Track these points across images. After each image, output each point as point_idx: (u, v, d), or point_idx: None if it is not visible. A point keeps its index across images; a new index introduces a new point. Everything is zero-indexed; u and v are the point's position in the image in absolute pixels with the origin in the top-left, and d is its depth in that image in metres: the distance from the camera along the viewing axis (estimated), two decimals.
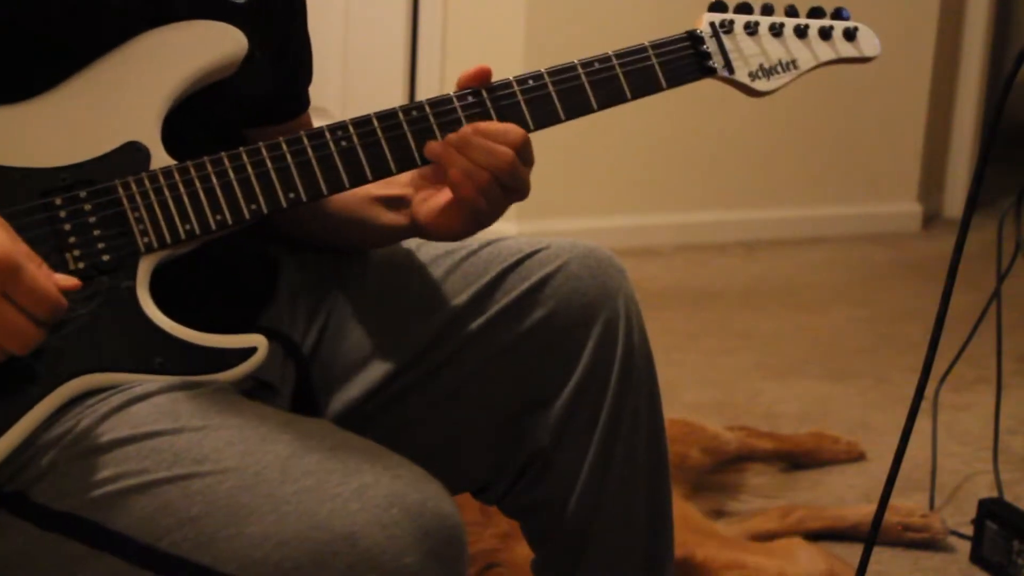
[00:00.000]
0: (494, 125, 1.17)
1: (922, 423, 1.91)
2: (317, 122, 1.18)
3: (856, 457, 2.40)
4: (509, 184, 1.17)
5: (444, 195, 1.20)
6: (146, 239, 1.11)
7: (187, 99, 1.15)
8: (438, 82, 3.81)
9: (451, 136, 1.16)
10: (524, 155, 1.18)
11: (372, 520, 1.00)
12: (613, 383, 1.27)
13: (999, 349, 2.17)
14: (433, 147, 1.16)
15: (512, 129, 1.17)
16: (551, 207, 3.75)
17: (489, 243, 1.31)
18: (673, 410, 2.57)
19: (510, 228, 3.60)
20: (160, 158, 1.12)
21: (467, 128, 1.16)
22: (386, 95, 3.78)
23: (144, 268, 1.11)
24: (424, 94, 3.81)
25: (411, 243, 1.34)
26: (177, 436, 1.05)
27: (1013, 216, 2.03)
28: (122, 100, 1.13)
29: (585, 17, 3.78)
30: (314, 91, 1.38)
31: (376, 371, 1.29)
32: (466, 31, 3.81)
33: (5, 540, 1.07)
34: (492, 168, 1.16)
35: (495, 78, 1.19)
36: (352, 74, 3.84)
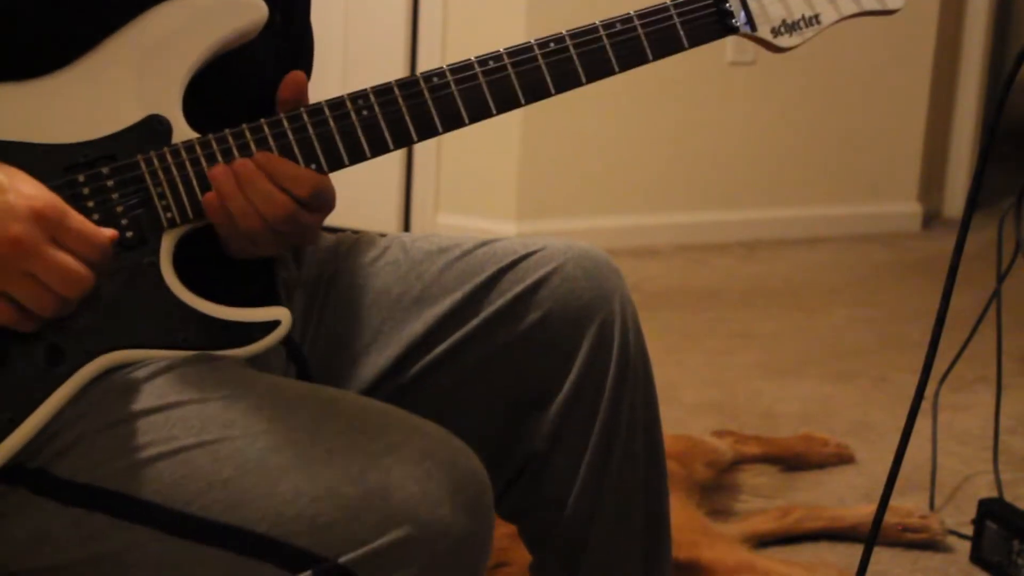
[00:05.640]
0: (286, 167, 1.11)
1: (922, 423, 1.90)
2: None
3: (847, 460, 2.38)
4: (284, 231, 1.12)
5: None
6: (169, 215, 1.10)
7: (197, 79, 1.13)
8: None
9: (237, 165, 1.10)
10: (314, 203, 1.12)
11: (405, 474, 1.01)
12: (609, 384, 1.27)
13: (999, 349, 2.17)
14: (216, 172, 1.10)
15: (304, 176, 1.11)
16: (551, 207, 3.73)
17: (484, 243, 1.30)
18: (673, 410, 2.59)
19: (509, 228, 3.53)
20: (182, 131, 1.11)
21: (258, 159, 1.10)
22: None
23: (167, 244, 1.11)
24: None
25: (404, 239, 1.34)
26: (204, 405, 1.06)
27: (1013, 216, 2.03)
28: (142, 73, 1.11)
29: (585, 17, 3.78)
30: (314, 90, 1.37)
31: (370, 370, 1.29)
32: (466, 30, 3.81)
33: (26, 520, 1.07)
34: (266, 215, 1.10)
35: None
36: (352, 73, 3.83)
